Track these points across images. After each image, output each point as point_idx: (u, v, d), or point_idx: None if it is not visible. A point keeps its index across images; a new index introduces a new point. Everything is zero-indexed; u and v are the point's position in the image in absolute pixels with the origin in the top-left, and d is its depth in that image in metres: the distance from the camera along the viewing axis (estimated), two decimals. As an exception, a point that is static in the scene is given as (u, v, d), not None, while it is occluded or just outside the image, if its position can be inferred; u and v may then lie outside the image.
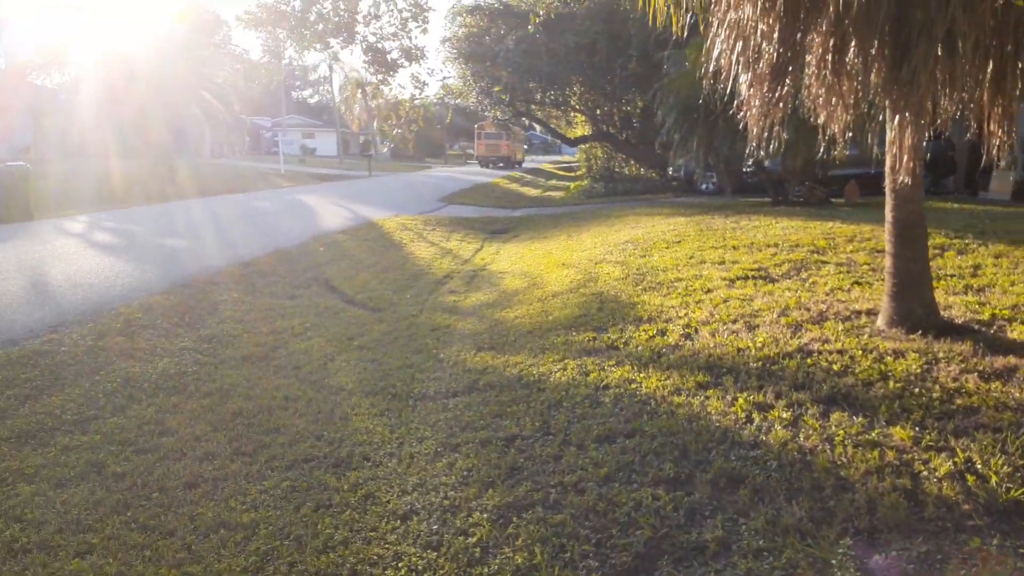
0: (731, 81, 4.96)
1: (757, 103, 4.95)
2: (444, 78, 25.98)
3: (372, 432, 4.39)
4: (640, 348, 5.19)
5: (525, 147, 59.22)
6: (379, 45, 23.56)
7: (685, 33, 5.88)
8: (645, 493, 3.28)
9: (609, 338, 5.52)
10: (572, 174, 37.72)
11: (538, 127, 54.40)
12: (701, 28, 5.59)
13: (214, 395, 5.00)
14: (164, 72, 26.83)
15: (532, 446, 3.90)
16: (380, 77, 23.93)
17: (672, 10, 5.55)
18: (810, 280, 6.78)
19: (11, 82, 33.44)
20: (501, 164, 47.71)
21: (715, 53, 5.00)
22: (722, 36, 4.91)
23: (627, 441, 3.80)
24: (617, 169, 25.25)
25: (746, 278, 6.93)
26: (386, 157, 59.28)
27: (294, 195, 22.71)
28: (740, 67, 4.90)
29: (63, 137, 31.43)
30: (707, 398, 4.22)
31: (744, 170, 16.51)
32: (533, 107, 26.84)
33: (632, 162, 25.10)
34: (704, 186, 19.42)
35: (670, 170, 21.53)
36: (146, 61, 27.64)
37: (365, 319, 7.50)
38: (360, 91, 61.02)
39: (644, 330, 5.56)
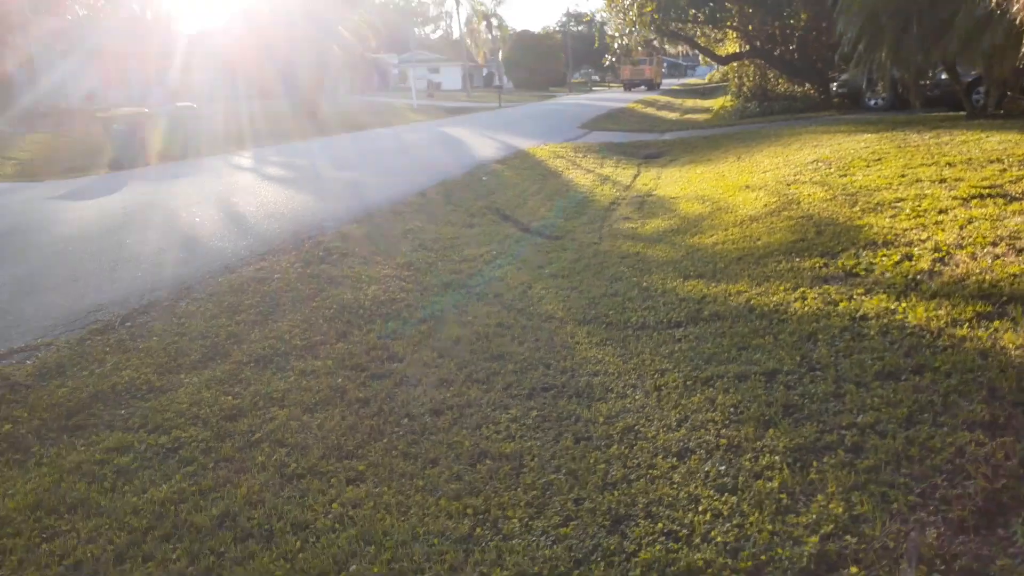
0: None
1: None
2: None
3: (603, 362, 4.17)
4: (888, 275, 4.63)
5: (663, 70, 59.56)
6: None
7: None
8: (962, 437, 2.85)
9: (844, 264, 4.99)
10: (706, 97, 35.71)
11: (671, 48, 52.13)
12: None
13: (429, 321, 4.95)
14: (303, 10, 27.28)
15: (800, 382, 3.53)
16: None
17: None
18: (1062, 198, 5.87)
19: (157, 29, 35.36)
20: (643, 87, 51.65)
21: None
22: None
23: (916, 379, 3.35)
24: (770, 87, 23.38)
25: (981, 196, 6.09)
26: (510, 88, 58.51)
27: (435, 128, 22.74)
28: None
29: (208, 81, 33.00)
30: (995, 331, 3.67)
31: (923, 82, 14.79)
32: (681, 26, 25.09)
33: (783, 79, 23.16)
34: (873, 102, 17.68)
35: (833, 86, 19.75)
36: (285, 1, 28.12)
37: (548, 247, 7.29)
38: (485, 22, 60.13)
39: (884, 255, 4.97)
